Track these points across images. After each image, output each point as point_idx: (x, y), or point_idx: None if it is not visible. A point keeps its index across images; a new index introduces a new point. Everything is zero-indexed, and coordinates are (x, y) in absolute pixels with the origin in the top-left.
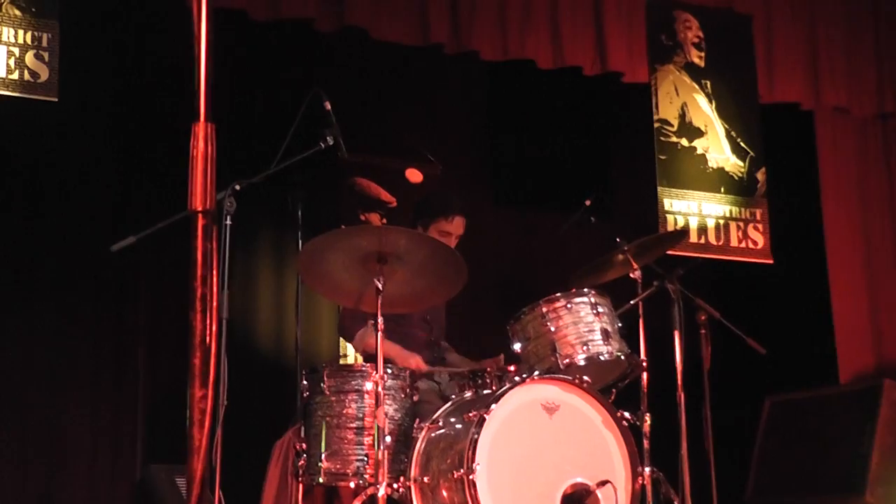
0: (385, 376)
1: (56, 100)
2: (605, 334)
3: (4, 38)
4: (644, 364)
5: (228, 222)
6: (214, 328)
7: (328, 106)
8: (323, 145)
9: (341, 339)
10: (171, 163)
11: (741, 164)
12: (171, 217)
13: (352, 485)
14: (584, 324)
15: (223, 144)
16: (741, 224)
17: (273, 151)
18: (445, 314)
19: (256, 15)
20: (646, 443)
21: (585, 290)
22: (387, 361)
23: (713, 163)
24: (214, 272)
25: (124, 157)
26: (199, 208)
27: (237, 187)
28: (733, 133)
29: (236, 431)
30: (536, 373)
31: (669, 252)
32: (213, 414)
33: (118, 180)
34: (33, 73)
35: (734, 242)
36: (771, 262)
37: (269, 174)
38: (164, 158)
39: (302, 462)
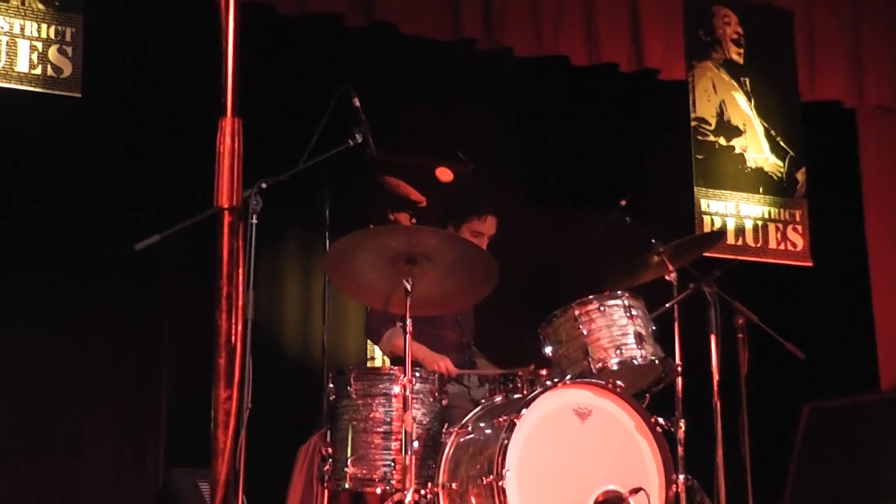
0: (413, 380)
1: (79, 95)
2: (639, 338)
3: (27, 33)
4: (679, 368)
5: (254, 221)
6: (240, 328)
7: (357, 102)
8: (352, 143)
9: (368, 340)
10: (197, 159)
11: (780, 163)
12: (196, 215)
13: (378, 491)
14: (617, 327)
15: (250, 141)
16: (780, 225)
17: (301, 149)
18: (474, 316)
19: (284, 9)
20: (680, 449)
21: (619, 292)
22: (415, 364)
23: (752, 162)
24: (240, 270)
25: (148, 154)
26: (226, 205)
27: (264, 185)
28: (773, 132)
29: (261, 435)
30: (568, 377)
31: (706, 254)
32: (237, 416)
33: (142, 178)
34: (56, 69)
35: (773, 244)
36: (810, 264)
37: (297, 172)
38: (189, 155)
39: (327, 467)
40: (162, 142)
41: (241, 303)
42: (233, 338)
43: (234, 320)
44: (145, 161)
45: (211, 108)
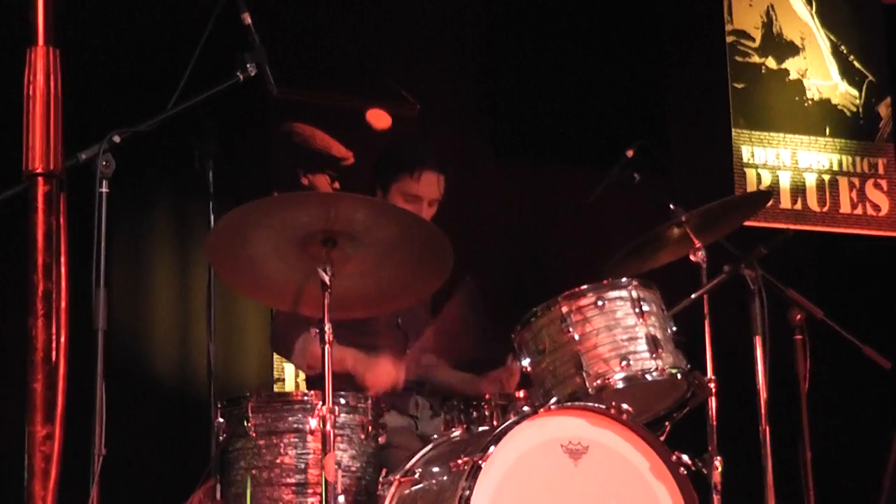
0: (336, 408)
1: None
2: (653, 343)
3: None
4: (711, 385)
5: (104, 189)
6: (63, 339)
7: (248, 19)
8: (242, 76)
9: (275, 355)
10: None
11: (855, 93)
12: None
13: None
14: (621, 328)
15: (94, 79)
16: (855, 181)
17: (169, 87)
18: (425, 318)
19: None
20: (716, 499)
21: (624, 280)
22: (342, 382)
23: (814, 92)
24: (63, 260)
25: None
26: (40, 169)
27: (117, 139)
28: (843, 48)
29: (122, 492)
30: (554, 400)
31: (748, 223)
32: (62, 459)
33: None
34: None
35: (845, 207)
36: None
37: (164, 120)
38: None
39: None
40: None
41: (63, 305)
42: (53, 353)
43: (54, 329)
44: None
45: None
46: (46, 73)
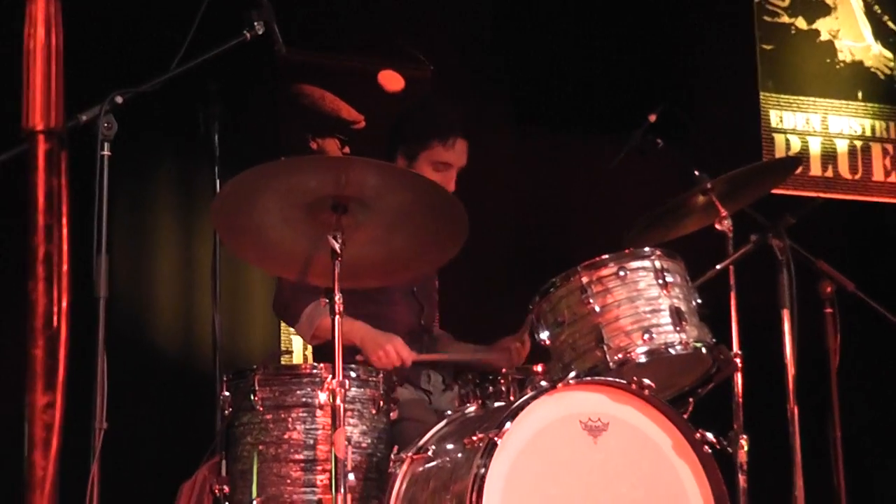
0: (347, 382)
1: None
2: (677, 315)
3: None
4: (737, 360)
5: (106, 152)
6: (65, 304)
7: None
8: (249, 35)
9: (282, 323)
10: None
11: (889, 55)
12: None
13: None
14: (644, 300)
15: (91, 37)
16: (889, 147)
17: (174, 46)
18: (439, 288)
19: None
20: (741, 479)
21: (647, 249)
22: (350, 354)
23: (846, 54)
24: (64, 221)
25: None
26: (40, 127)
27: (119, 100)
28: (877, 8)
29: (123, 468)
30: (573, 374)
31: (776, 191)
32: (60, 432)
33: None
34: None
35: (878, 175)
36: None
37: (168, 79)
38: None
39: None
40: None
41: (65, 268)
42: (55, 319)
43: (56, 294)
44: None
45: None
46: (47, 25)
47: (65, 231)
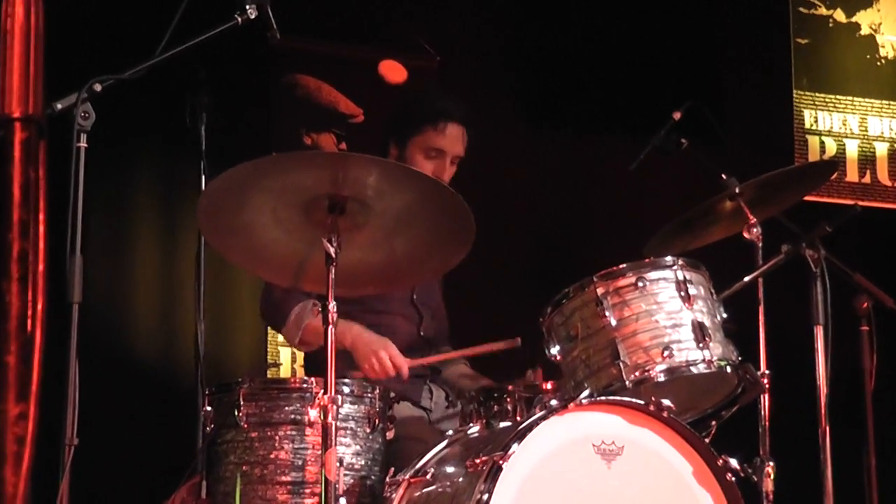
0: (339, 397)
1: None
2: (700, 331)
3: None
4: (765, 381)
5: (83, 144)
6: (41, 307)
7: None
8: (240, 20)
9: (269, 332)
10: None
11: None
12: None
13: None
14: (664, 313)
15: (69, 19)
16: None
17: (159, 30)
18: (443, 297)
19: None
20: None
21: (669, 258)
22: (344, 367)
23: (888, 50)
24: (41, 217)
25: None
26: (17, 114)
27: (98, 88)
28: None
29: (96, 487)
30: (587, 393)
31: (809, 197)
32: (33, 444)
33: None
34: None
35: None
36: None
37: (152, 66)
38: None
39: None
40: None
41: (41, 268)
42: (29, 323)
43: (30, 296)
44: None
45: None
46: (26, 4)
47: (42, 228)
